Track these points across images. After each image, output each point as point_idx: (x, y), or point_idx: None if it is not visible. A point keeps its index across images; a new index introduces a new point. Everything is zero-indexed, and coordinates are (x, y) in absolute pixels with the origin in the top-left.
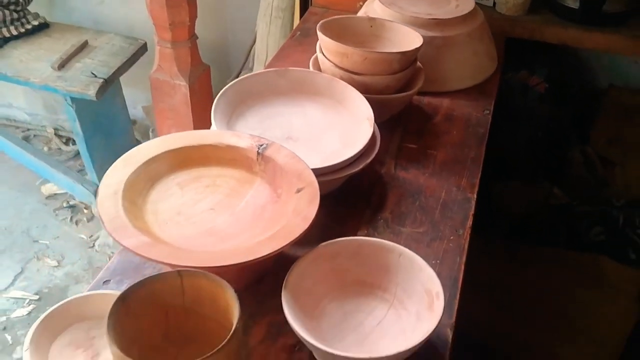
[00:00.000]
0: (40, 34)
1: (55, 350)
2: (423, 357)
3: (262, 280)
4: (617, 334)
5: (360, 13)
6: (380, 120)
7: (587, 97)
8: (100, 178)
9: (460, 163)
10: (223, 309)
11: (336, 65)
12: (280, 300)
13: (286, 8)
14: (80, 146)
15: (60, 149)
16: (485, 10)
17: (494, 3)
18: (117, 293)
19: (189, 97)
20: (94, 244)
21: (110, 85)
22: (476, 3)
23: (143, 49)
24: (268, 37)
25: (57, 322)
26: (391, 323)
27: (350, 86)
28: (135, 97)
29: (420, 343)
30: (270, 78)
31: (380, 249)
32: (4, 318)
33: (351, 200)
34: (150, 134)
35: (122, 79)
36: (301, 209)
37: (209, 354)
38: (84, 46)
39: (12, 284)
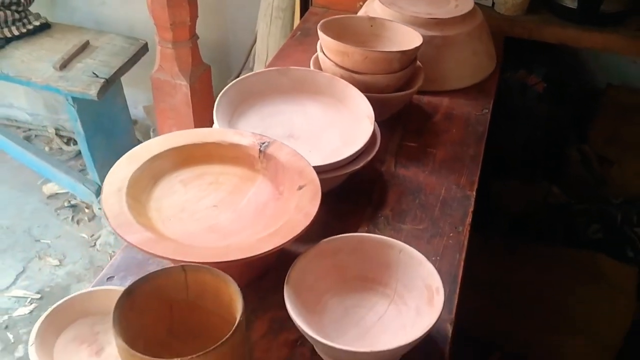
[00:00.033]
0: (41, 34)
1: (60, 345)
2: (423, 352)
3: (264, 276)
4: (615, 331)
5: (361, 13)
6: (381, 119)
7: (585, 96)
8: (101, 178)
9: (459, 161)
10: (227, 303)
11: (337, 65)
12: (282, 296)
13: (286, 8)
14: (82, 146)
15: (61, 148)
16: (485, 10)
17: (493, 3)
18: (121, 289)
19: (189, 97)
20: (95, 243)
21: (111, 85)
22: (475, 3)
23: (144, 49)
24: (268, 37)
25: (61, 318)
26: (392, 318)
27: (350, 85)
28: (136, 97)
29: (420, 337)
30: (272, 77)
31: (381, 245)
32: (6, 317)
33: (352, 197)
34: (151, 133)
35: (123, 79)
36: (303, 206)
37: (212, 347)
38: (85, 46)
39: (14, 283)
